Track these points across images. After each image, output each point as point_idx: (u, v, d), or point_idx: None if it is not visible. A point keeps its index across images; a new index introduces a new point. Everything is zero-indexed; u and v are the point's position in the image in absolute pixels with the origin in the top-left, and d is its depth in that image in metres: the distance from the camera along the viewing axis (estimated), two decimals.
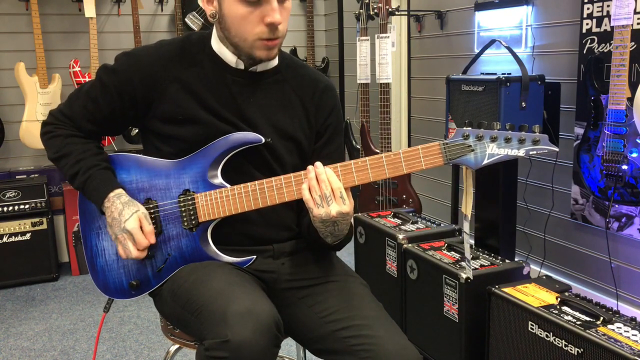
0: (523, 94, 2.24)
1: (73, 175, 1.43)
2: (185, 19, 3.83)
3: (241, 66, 1.41)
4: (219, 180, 1.40)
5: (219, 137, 1.39)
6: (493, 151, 1.23)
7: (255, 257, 1.42)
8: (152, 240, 1.38)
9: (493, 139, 1.22)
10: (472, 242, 2.42)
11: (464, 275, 1.92)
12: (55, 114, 1.49)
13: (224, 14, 1.34)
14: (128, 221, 1.36)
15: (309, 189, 1.27)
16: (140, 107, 1.42)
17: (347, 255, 3.55)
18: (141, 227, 1.36)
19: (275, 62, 1.46)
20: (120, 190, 1.41)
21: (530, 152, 1.21)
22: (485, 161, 1.23)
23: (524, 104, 2.25)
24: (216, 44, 1.42)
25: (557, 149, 1.23)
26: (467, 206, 1.31)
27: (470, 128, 1.25)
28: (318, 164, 1.27)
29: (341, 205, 1.25)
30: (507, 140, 1.22)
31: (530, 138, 1.21)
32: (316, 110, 1.49)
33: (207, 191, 1.39)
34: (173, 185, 1.41)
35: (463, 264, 2.01)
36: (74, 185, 1.45)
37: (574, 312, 1.67)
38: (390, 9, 3.00)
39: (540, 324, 1.68)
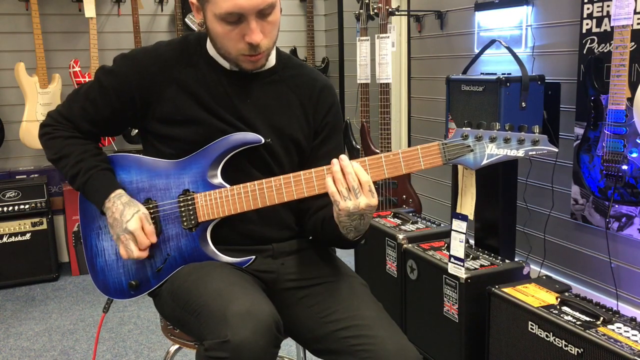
0: (523, 94, 2.24)
1: (73, 176, 1.44)
2: (185, 19, 3.83)
3: (236, 68, 1.42)
4: (218, 180, 1.40)
5: (218, 137, 1.39)
6: (492, 151, 1.22)
7: (254, 257, 1.42)
8: (154, 239, 1.38)
9: (492, 139, 1.22)
10: (473, 242, 2.42)
11: (464, 276, 1.92)
12: (53, 116, 1.49)
13: (208, 28, 1.34)
14: (130, 222, 1.36)
15: (334, 182, 1.23)
16: (138, 109, 1.42)
17: (347, 255, 3.55)
18: (142, 228, 1.37)
19: (273, 62, 1.46)
20: (120, 191, 1.41)
21: (530, 153, 1.21)
22: (485, 161, 1.23)
23: (524, 104, 2.25)
24: (211, 49, 1.42)
25: (556, 150, 1.23)
26: (465, 206, 1.31)
27: (469, 128, 1.24)
28: (343, 156, 1.24)
29: (370, 198, 1.22)
30: (507, 140, 1.21)
31: (530, 138, 1.20)
32: (314, 109, 1.49)
33: (207, 191, 1.39)
34: (173, 185, 1.42)
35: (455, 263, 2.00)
36: (74, 186, 1.46)
37: (574, 312, 1.67)
38: (390, 9, 3.00)
39: (540, 324, 1.68)
